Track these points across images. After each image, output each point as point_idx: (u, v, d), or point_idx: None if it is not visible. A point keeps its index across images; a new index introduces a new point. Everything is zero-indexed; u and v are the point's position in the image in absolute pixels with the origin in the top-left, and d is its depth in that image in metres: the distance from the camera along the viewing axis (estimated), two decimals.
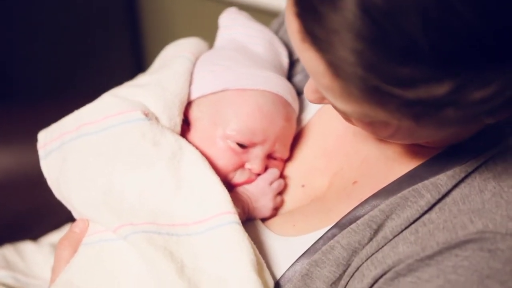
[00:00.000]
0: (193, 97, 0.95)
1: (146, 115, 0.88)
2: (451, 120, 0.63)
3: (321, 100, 0.75)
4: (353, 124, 0.77)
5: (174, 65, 0.96)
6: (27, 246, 1.17)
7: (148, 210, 0.84)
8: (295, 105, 0.97)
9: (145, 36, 2.35)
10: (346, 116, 0.76)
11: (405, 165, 0.85)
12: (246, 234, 0.82)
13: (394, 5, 0.55)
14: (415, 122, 0.64)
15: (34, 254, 1.15)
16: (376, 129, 0.72)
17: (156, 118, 0.90)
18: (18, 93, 1.91)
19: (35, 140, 1.15)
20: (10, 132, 1.34)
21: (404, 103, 0.61)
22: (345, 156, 0.94)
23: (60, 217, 1.28)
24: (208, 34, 1.12)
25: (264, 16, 1.46)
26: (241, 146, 0.92)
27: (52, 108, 1.38)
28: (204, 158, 0.87)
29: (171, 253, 0.80)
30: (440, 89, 0.59)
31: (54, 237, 1.26)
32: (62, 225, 1.28)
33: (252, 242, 0.83)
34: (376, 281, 0.77)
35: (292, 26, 0.64)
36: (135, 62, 2.33)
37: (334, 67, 0.61)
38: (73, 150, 0.89)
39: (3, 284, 1.07)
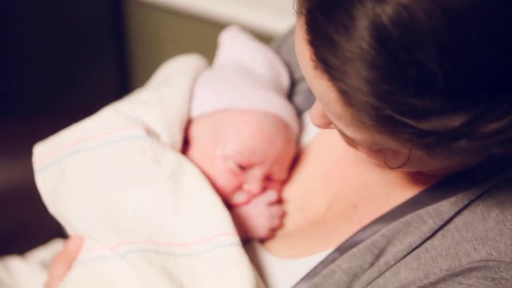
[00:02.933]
0: (193, 115, 0.94)
1: (147, 132, 0.87)
2: (462, 150, 0.63)
3: (327, 125, 0.74)
4: (357, 150, 0.76)
5: (175, 82, 0.95)
6: (14, 262, 1.15)
7: (146, 228, 0.83)
8: (295, 126, 0.97)
9: (132, 54, 2.35)
10: (352, 143, 0.75)
11: (407, 190, 0.84)
12: (247, 256, 0.81)
13: (409, 35, 0.55)
14: (426, 152, 0.64)
15: (21, 270, 1.12)
16: (384, 157, 0.72)
17: (157, 136, 0.89)
18: (9, 107, 1.89)
19: (23, 154, 1.13)
20: None
21: (417, 133, 0.60)
22: (344, 179, 0.93)
23: (48, 232, 1.26)
24: (195, 52, 1.10)
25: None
26: (240, 167, 0.91)
27: (44, 122, 1.36)
28: (204, 178, 0.86)
29: (170, 274, 0.79)
30: (455, 121, 0.58)
31: (41, 253, 1.23)
32: (50, 240, 1.26)
33: (252, 265, 0.81)
34: None
35: (303, 53, 0.63)
36: (123, 78, 2.34)
37: (346, 95, 0.61)
38: (71, 165, 0.88)
39: None
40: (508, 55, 0.55)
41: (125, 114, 0.90)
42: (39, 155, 0.91)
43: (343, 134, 0.71)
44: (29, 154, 1.30)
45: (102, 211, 0.84)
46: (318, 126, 0.76)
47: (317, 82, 0.63)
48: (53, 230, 1.22)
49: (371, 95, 0.58)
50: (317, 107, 0.74)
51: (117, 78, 2.32)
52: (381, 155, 0.71)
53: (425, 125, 0.59)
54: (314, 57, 0.62)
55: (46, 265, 1.14)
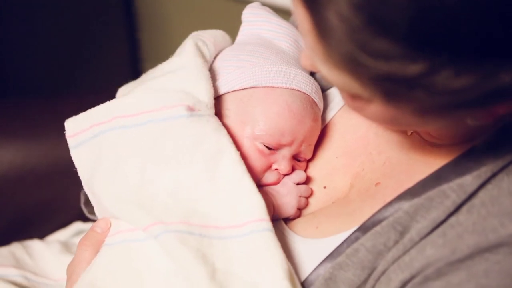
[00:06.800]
0: (219, 92, 0.92)
1: (191, 109, 0.86)
2: (424, 106, 0.64)
3: (314, 67, 0.75)
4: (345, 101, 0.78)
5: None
6: (36, 245, 1.15)
7: (181, 208, 0.82)
8: (321, 104, 0.96)
9: (141, 33, 2.33)
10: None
11: (428, 166, 0.83)
12: (279, 242, 0.81)
13: None
14: (385, 99, 0.65)
15: (43, 253, 1.12)
16: (356, 103, 0.72)
17: (206, 106, 0.88)
18: (22, 89, 1.89)
19: (41, 136, 1.12)
20: (15, 128, 1.32)
21: (375, 76, 0.62)
22: (366, 157, 0.92)
23: (67, 215, 1.27)
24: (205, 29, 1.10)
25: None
26: (269, 148, 0.90)
27: (57, 103, 1.36)
28: (242, 162, 0.85)
29: (204, 256, 0.79)
30: (412, 69, 0.59)
31: (61, 235, 1.24)
32: (69, 223, 1.26)
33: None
34: (404, 284, 0.76)
35: None
36: (131, 59, 2.33)
37: (319, 27, 0.62)
38: (108, 143, 0.87)
39: (13, 283, 1.05)
40: (470, 11, 0.55)
41: (166, 90, 0.88)
42: (72, 131, 0.89)
43: (321, 73, 0.72)
44: (45, 135, 1.30)
45: (136, 191, 0.84)
46: (305, 67, 0.78)
47: (297, 11, 0.65)
48: (72, 212, 1.23)
49: (339, 28, 0.60)
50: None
51: (128, 56, 2.31)
52: (354, 101, 0.72)
53: (383, 68, 0.60)
54: None
55: (67, 247, 1.15)
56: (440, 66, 0.59)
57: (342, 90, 0.72)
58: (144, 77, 0.99)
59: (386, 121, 0.75)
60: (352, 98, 0.71)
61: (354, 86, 0.65)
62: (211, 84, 0.90)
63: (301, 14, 0.64)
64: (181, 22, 2.17)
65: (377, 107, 0.68)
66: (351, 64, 0.62)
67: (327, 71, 0.68)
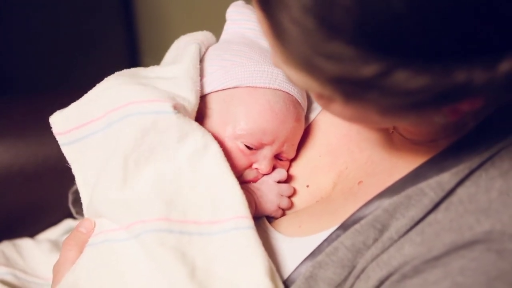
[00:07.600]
0: (203, 92, 0.93)
1: (175, 108, 0.85)
2: (384, 106, 0.65)
3: (277, 65, 0.75)
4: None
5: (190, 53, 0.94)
6: (26, 243, 1.15)
7: (162, 201, 0.82)
8: (304, 104, 0.96)
9: (140, 30, 2.33)
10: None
11: (409, 164, 0.84)
12: (260, 240, 0.81)
13: None
14: (345, 99, 0.66)
15: (33, 252, 1.13)
16: (321, 101, 0.73)
17: (186, 109, 0.88)
18: (12, 87, 1.89)
19: (29, 135, 1.12)
20: (3, 128, 1.32)
21: (331, 77, 0.63)
22: (349, 155, 0.93)
23: (57, 214, 1.27)
24: (203, 26, 1.10)
25: None
26: (249, 148, 0.91)
27: (47, 102, 1.36)
28: (225, 159, 0.85)
29: (183, 254, 0.79)
30: (366, 70, 0.60)
31: (51, 233, 1.24)
32: (59, 221, 1.27)
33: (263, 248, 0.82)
34: (381, 282, 0.77)
35: None
36: (129, 56, 2.33)
37: (275, 29, 0.63)
38: (97, 141, 0.87)
39: (3, 281, 1.06)
40: (415, 14, 0.56)
41: (154, 87, 0.88)
42: (64, 127, 0.88)
43: (285, 73, 0.73)
44: (34, 134, 1.30)
45: (120, 188, 0.84)
46: (274, 64, 0.78)
47: (257, 14, 0.66)
48: (62, 211, 1.24)
49: (293, 32, 0.61)
50: None
51: (127, 53, 2.31)
52: (322, 101, 0.73)
53: (338, 69, 0.61)
54: None
55: (57, 245, 1.15)
56: (394, 68, 0.59)
57: (305, 89, 0.72)
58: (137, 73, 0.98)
59: (352, 119, 0.75)
60: (317, 96, 0.72)
61: (314, 86, 0.66)
62: (198, 97, 0.90)
63: (259, 16, 0.66)
64: (180, 18, 2.17)
65: (339, 106, 0.69)
66: (307, 66, 0.64)
67: (287, 71, 0.69)
